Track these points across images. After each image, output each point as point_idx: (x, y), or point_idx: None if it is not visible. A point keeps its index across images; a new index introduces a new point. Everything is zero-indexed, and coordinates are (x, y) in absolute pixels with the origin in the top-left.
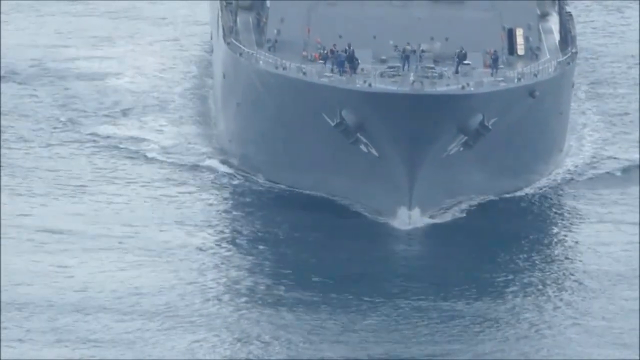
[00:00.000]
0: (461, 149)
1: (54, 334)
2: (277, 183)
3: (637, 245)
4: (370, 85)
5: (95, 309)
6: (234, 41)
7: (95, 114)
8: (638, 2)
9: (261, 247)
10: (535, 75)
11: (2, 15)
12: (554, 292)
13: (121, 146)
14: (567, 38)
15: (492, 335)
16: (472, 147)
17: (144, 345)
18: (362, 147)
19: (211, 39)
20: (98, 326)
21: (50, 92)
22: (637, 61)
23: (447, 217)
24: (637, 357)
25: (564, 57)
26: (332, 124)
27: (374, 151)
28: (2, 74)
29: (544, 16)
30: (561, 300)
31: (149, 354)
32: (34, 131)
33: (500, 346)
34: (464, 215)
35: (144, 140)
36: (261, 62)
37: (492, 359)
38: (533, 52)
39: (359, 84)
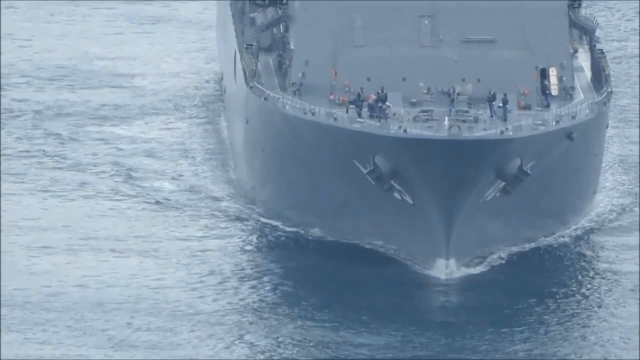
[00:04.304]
0: (498, 194)
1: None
2: (305, 230)
3: None
4: (405, 130)
5: (94, 307)
6: (257, 85)
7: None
8: (638, 1)
9: (289, 288)
10: (573, 118)
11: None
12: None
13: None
14: (600, 77)
15: None
16: (511, 193)
17: (148, 345)
18: (396, 194)
19: (222, 79)
20: (98, 325)
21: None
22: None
23: (484, 266)
24: (638, 358)
25: (600, 98)
26: (365, 171)
27: (408, 199)
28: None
29: (573, 52)
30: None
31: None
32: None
33: None
34: (500, 264)
35: (159, 181)
36: (288, 107)
37: None
38: (567, 92)
39: (393, 129)
